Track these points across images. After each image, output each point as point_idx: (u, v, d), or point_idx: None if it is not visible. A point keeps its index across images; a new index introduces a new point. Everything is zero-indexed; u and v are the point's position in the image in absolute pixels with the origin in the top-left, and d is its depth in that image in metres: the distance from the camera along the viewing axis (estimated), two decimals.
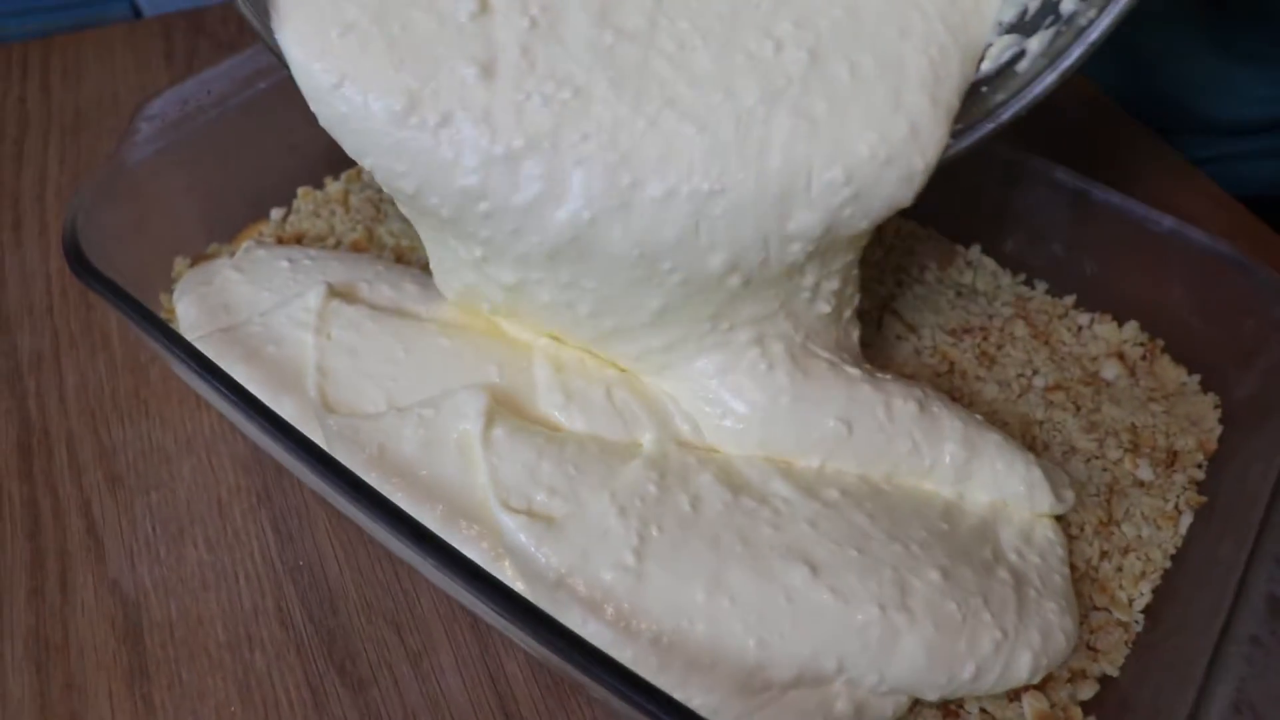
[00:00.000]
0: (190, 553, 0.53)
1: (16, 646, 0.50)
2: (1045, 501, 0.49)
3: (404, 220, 0.58)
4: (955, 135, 0.44)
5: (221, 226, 0.65)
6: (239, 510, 0.55)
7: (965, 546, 0.47)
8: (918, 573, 0.44)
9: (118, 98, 0.83)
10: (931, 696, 0.44)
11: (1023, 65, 0.44)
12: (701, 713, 0.35)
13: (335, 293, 0.54)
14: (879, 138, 0.42)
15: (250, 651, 0.49)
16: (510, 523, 0.43)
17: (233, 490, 0.55)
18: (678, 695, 0.38)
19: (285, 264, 0.57)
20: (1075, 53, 0.43)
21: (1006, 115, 0.44)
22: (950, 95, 0.43)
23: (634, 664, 0.40)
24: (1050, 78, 0.43)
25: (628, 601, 0.41)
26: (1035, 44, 0.44)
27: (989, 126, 0.44)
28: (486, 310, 0.52)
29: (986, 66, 0.44)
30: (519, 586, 0.43)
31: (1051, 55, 0.43)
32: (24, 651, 0.50)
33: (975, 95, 0.44)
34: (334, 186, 0.68)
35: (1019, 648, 0.44)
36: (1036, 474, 0.49)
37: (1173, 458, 0.54)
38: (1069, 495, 0.50)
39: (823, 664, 0.42)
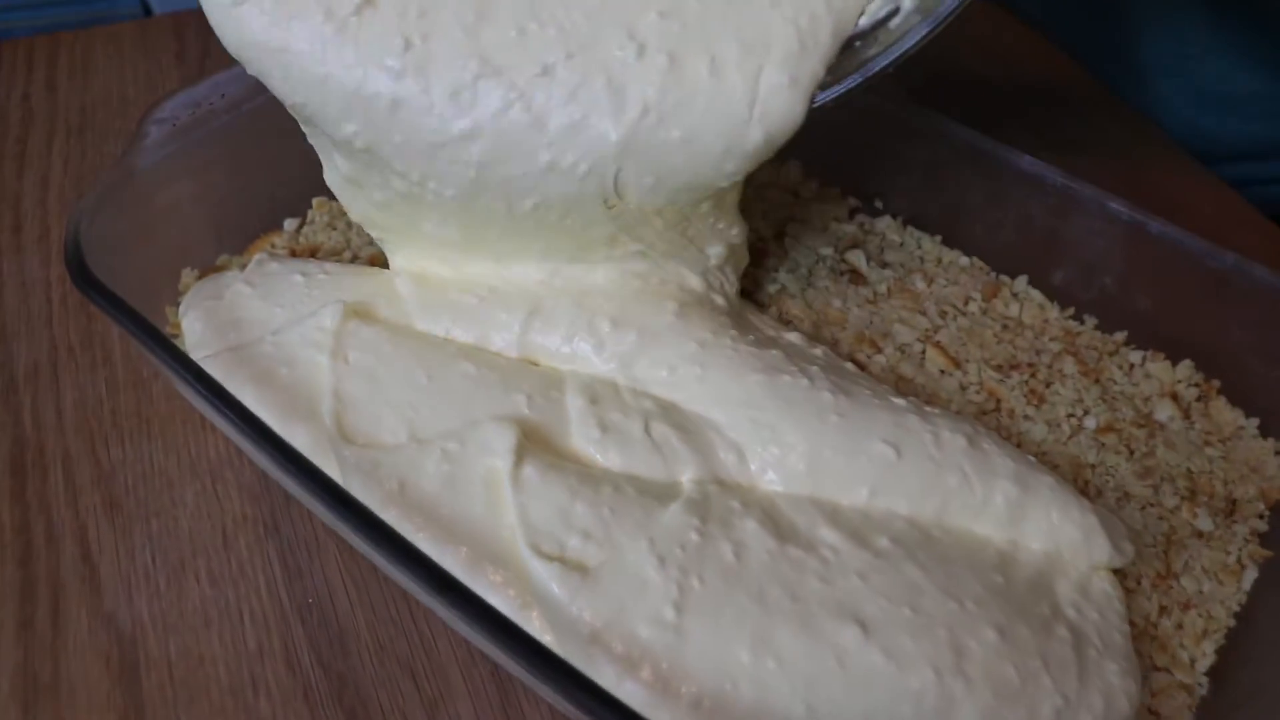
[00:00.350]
0: (192, 586, 0.50)
1: (3, 684, 0.47)
2: (1103, 551, 0.46)
3: None
4: (822, 87, 0.44)
5: (232, 237, 0.62)
6: (245, 541, 0.51)
7: (1021, 602, 0.44)
8: (974, 633, 0.41)
9: (126, 98, 0.80)
10: None
11: (896, 21, 0.45)
12: None
13: (352, 311, 0.51)
14: (736, 167, 0.45)
15: (255, 695, 0.46)
16: (542, 570, 0.40)
17: (238, 520, 0.52)
18: None
19: (299, 278, 0.54)
20: (948, 6, 0.44)
21: (876, 68, 0.45)
22: (814, 67, 0.44)
23: None
24: (922, 30, 0.44)
25: (667, 660, 0.38)
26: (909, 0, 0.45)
27: (857, 79, 0.45)
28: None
29: (863, 22, 0.45)
30: (547, 639, 0.39)
31: (924, 10, 0.44)
32: (10, 689, 0.46)
33: (848, 49, 0.45)
34: None
35: (1081, 714, 0.41)
36: (1093, 520, 0.46)
37: (1232, 506, 0.52)
38: (1128, 547, 0.47)
39: None
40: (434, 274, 0.53)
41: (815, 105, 0.44)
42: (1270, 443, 0.54)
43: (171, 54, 0.84)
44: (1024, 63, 0.85)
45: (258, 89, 0.61)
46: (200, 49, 0.85)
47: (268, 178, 0.62)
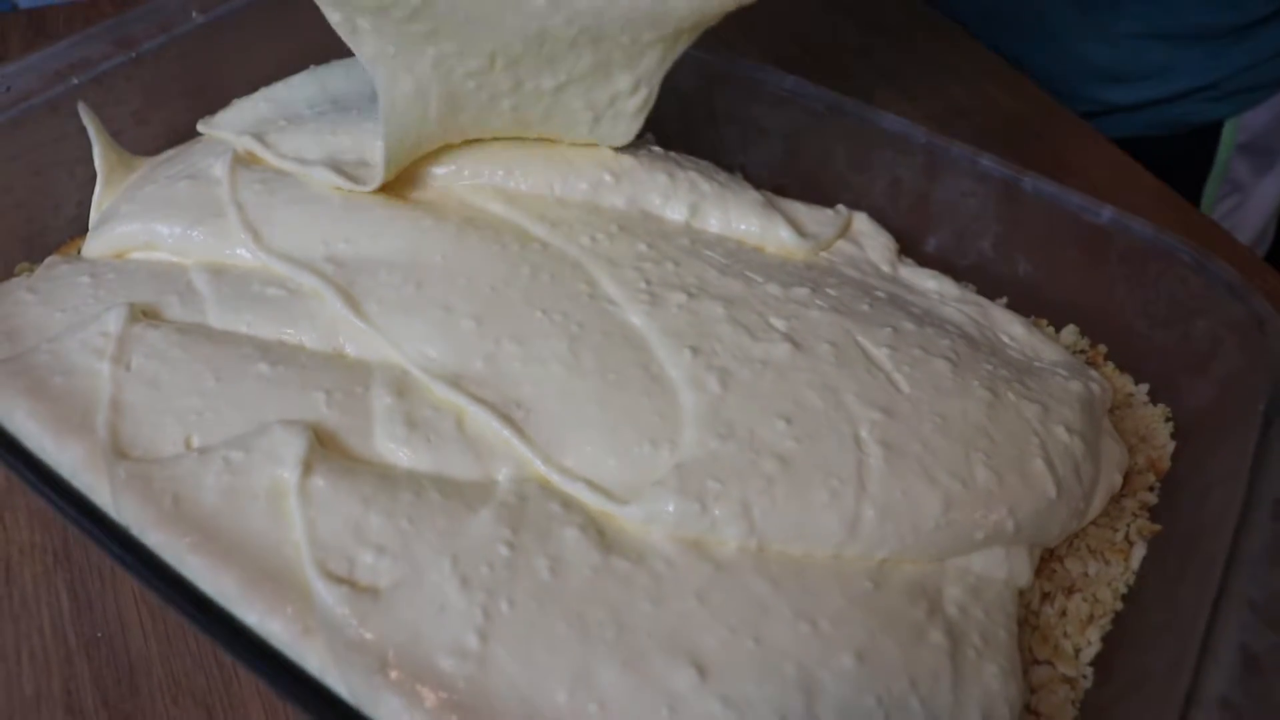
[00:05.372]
0: None
1: None
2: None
3: None
4: None
5: (37, 242, 0.56)
6: (31, 573, 0.46)
7: (892, 609, 0.38)
8: (828, 663, 0.36)
9: None
10: None
11: None
12: None
13: (140, 312, 0.45)
14: None
15: None
16: (326, 593, 0.35)
17: (25, 550, 0.47)
18: None
19: (86, 280, 0.48)
20: None
21: None
22: None
23: None
24: None
25: (468, 697, 0.33)
26: None
27: None
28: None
29: None
30: (332, 672, 0.34)
31: None
32: None
33: None
34: None
35: None
36: None
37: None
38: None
39: None
40: (234, 265, 0.48)
41: None
42: (1160, 409, 0.50)
43: None
44: (900, 27, 0.81)
45: (53, 80, 0.56)
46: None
47: (72, 177, 0.57)
